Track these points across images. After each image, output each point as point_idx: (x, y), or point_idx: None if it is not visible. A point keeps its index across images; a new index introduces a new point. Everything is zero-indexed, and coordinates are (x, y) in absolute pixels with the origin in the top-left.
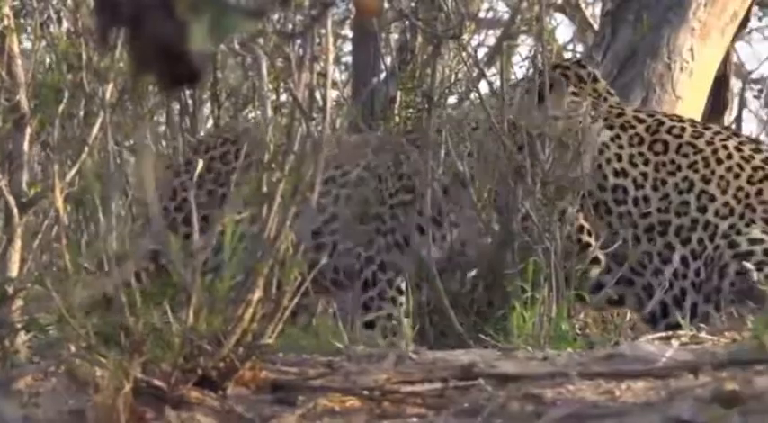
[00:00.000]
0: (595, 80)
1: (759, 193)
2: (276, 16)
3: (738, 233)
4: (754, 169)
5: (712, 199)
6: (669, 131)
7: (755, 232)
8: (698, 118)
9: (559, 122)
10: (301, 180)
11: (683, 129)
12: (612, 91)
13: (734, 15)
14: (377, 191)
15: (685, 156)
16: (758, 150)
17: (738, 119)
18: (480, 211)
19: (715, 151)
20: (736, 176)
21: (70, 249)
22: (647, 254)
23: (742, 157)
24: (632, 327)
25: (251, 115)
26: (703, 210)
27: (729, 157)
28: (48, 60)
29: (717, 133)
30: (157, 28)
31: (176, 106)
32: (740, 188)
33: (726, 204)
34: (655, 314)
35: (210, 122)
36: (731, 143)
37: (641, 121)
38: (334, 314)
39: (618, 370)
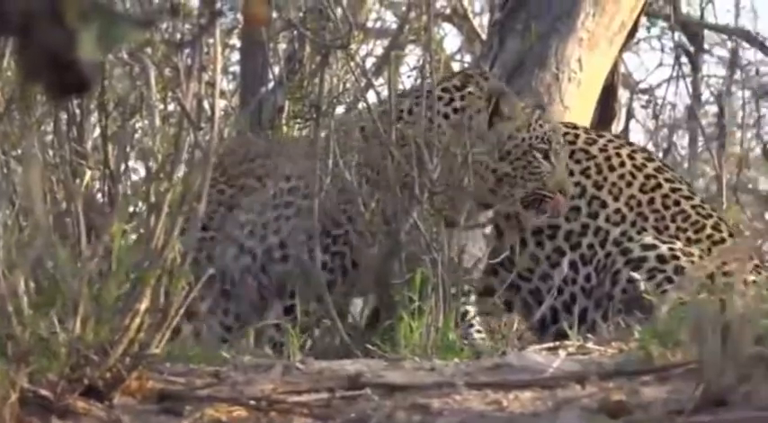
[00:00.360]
0: None
1: (651, 201)
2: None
3: (630, 240)
4: (647, 177)
5: (604, 205)
6: (563, 137)
7: (648, 239)
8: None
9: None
10: (189, 190)
11: (576, 135)
12: None
13: (622, 26)
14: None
15: (578, 162)
16: (650, 159)
17: (626, 129)
18: (368, 222)
19: (608, 158)
20: (629, 184)
21: None
22: (534, 258)
23: (634, 166)
24: (520, 337)
25: (138, 125)
26: (594, 215)
27: (622, 164)
28: None
29: (610, 141)
30: (46, 37)
31: (64, 116)
32: (632, 196)
33: (617, 211)
34: (544, 320)
35: (98, 131)
36: (624, 151)
37: None
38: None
39: (505, 380)
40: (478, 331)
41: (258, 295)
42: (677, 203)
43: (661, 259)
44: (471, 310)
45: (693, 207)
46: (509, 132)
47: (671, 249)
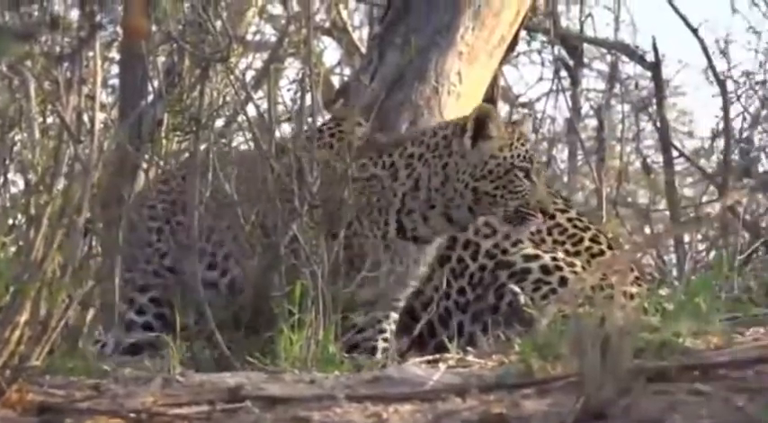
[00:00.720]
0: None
1: None
2: (44, 38)
3: (504, 252)
4: None
5: None
6: None
7: (529, 250)
8: None
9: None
10: (69, 203)
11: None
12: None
13: (502, 39)
14: None
15: None
16: None
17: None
18: (248, 234)
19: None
20: None
21: None
22: None
23: None
24: (402, 354)
25: (17, 137)
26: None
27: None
28: None
29: None
30: None
31: None
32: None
33: (487, 224)
34: (423, 334)
35: None
36: None
37: None
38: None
39: (385, 393)
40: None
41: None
42: (552, 217)
43: (545, 270)
44: (388, 328)
45: (569, 220)
46: (491, 152)
47: (554, 259)
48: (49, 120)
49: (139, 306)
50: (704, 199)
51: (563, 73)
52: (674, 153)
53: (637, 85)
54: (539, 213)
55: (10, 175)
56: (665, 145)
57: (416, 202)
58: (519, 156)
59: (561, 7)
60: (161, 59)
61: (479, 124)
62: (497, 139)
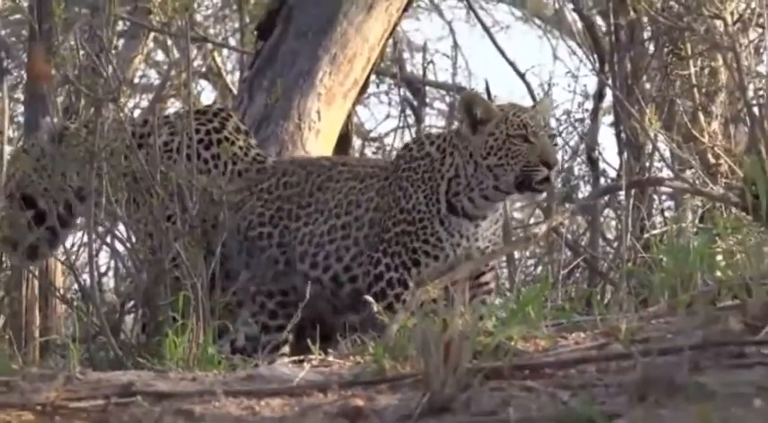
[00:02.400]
0: (247, 133)
1: None
2: None
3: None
4: None
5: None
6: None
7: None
8: None
9: (203, 176)
10: None
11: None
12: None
13: (355, 82)
14: None
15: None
16: None
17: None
18: (137, 251)
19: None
20: None
21: None
22: None
23: None
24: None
25: None
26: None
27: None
28: None
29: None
30: None
31: None
32: None
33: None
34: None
35: None
36: None
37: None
38: (10, 339)
39: (258, 389)
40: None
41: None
42: None
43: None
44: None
45: None
46: (489, 131)
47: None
48: None
49: (269, 311)
50: (532, 221)
51: (408, 111)
52: None
53: None
54: (541, 166)
55: None
56: None
57: (460, 187)
58: (513, 125)
59: (406, 55)
60: (60, 99)
61: (468, 111)
62: (493, 120)
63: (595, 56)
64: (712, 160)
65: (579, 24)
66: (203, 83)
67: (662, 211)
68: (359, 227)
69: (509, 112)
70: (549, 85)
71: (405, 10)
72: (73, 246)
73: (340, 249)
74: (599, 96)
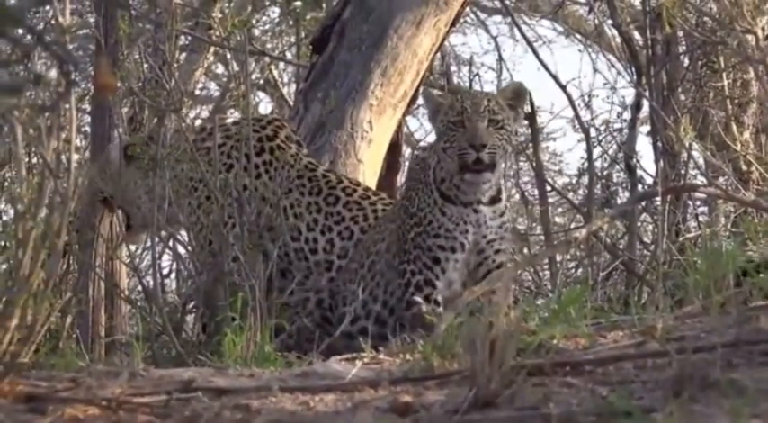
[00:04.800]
0: (299, 143)
1: None
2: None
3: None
4: None
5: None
6: (344, 190)
7: None
8: (375, 178)
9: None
10: (50, 228)
11: (354, 190)
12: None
13: (405, 94)
14: None
15: (350, 210)
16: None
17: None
18: (197, 253)
19: (375, 211)
20: None
21: None
22: None
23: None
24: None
25: (8, 175)
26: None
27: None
28: None
29: (381, 198)
30: None
31: None
32: None
33: None
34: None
35: None
36: (390, 207)
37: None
38: (77, 338)
39: (312, 385)
40: None
41: None
42: None
43: None
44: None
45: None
46: (440, 118)
47: None
48: (34, 160)
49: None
50: (572, 225)
51: None
52: (548, 188)
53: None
54: (469, 149)
55: (1, 206)
56: (540, 181)
57: (443, 172)
58: (453, 112)
59: (453, 68)
60: (125, 110)
61: (426, 103)
62: (442, 109)
63: (633, 69)
64: (744, 168)
65: (618, 39)
66: (261, 94)
67: (696, 217)
68: (381, 257)
69: (452, 100)
70: (589, 96)
71: (452, 25)
72: (137, 249)
73: (373, 290)
74: (636, 107)
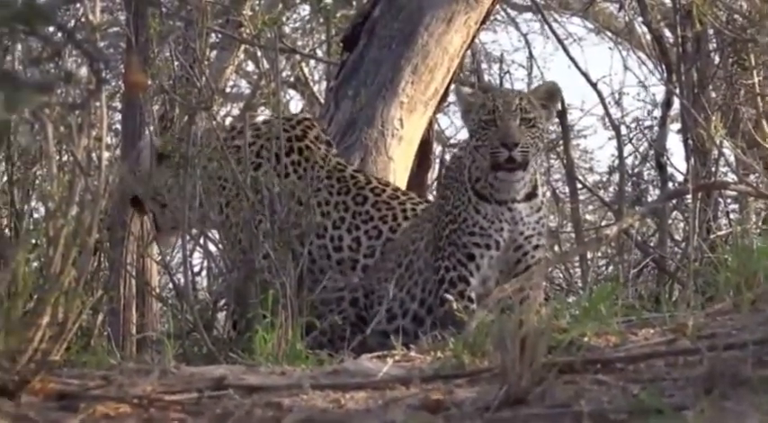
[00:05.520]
0: (329, 143)
1: None
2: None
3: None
4: None
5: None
6: (372, 190)
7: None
8: (406, 175)
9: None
10: (81, 226)
11: (383, 190)
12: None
13: (435, 91)
14: None
15: (379, 210)
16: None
17: (440, 176)
18: (228, 251)
19: (404, 210)
20: None
21: None
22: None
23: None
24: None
25: (39, 172)
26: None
27: (415, 216)
28: None
29: (410, 198)
30: None
31: None
32: None
33: None
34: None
35: (5, 178)
36: (419, 207)
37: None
38: (108, 335)
39: (343, 382)
40: None
41: None
42: None
43: None
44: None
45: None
46: (471, 117)
47: None
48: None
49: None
50: (603, 223)
51: None
52: (578, 185)
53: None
54: (501, 147)
55: (33, 203)
56: (571, 178)
57: (478, 171)
58: (485, 110)
59: (484, 65)
60: (155, 108)
61: (459, 101)
62: (474, 107)
63: (663, 66)
64: None
65: (648, 36)
66: (291, 92)
67: (727, 214)
68: (419, 256)
69: (484, 98)
70: (619, 94)
71: (482, 23)
72: (167, 247)
73: (411, 288)
74: (667, 105)
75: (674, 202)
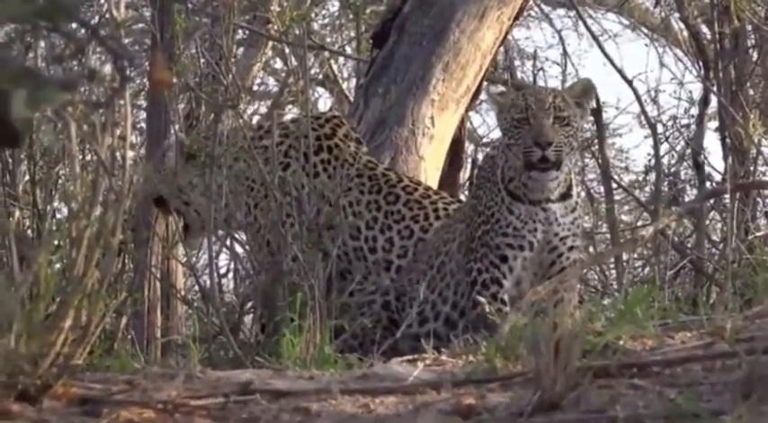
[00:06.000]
0: (359, 141)
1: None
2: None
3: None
4: None
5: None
6: (404, 188)
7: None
8: (438, 175)
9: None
10: (105, 227)
11: (415, 189)
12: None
13: (467, 89)
14: None
15: (410, 209)
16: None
17: (472, 176)
18: (255, 253)
19: (435, 208)
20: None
21: None
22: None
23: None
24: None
25: (62, 172)
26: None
27: (447, 216)
28: None
29: (442, 197)
30: None
31: None
32: None
33: None
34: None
35: (27, 177)
36: (451, 206)
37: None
38: (133, 339)
39: (372, 387)
40: None
41: None
42: None
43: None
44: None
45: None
46: (503, 116)
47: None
48: (88, 157)
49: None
50: (639, 223)
51: None
52: (614, 185)
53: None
54: (534, 147)
55: (55, 204)
56: (606, 178)
57: (511, 171)
58: (517, 109)
59: (517, 62)
60: (181, 106)
61: (493, 102)
62: (506, 105)
63: (700, 63)
64: None
65: (685, 33)
66: (320, 90)
67: (766, 214)
68: (451, 258)
69: (517, 96)
70: (655, 91)
71: (516, 19)
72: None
73: (443, 291)
74: (704, 102)
75: (712, 202)
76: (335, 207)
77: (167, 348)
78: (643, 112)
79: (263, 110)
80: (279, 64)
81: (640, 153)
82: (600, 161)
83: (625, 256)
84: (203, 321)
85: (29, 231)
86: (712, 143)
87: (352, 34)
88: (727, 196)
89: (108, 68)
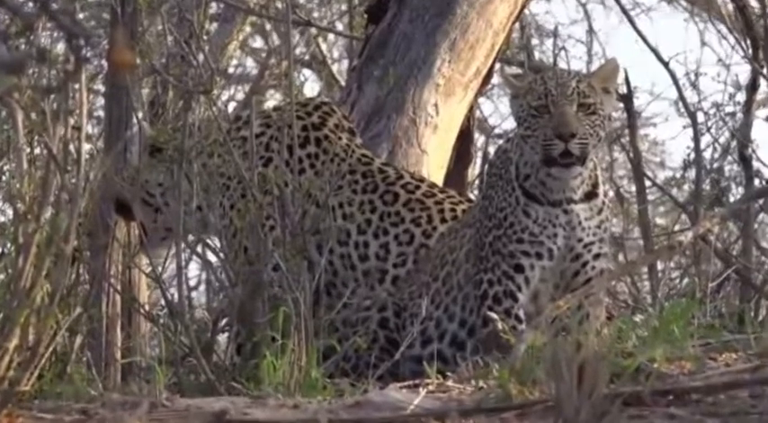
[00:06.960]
0: (352, 131)
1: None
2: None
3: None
4: None
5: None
6: (404, 186)
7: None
8: (443, 171)
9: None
10: (57, 231)
11: (417, 187)
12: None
13: (477, 72)
14: None
15: (411, 210)
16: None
17: (482, 172)
18: (230, 261)
19: (441, 211)
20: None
21: None
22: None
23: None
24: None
25: (6, 167)
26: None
27: (454, 218)
28: None
29: (449, 196)
30: None
31: None
32: None
33: None
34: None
35: None
36: (459, 207)
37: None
38: (88, 361)
39: (367, 417)
40: None
41: None
42: None
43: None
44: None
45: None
46: (519, 102)
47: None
48: (37, 150)
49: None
50: (676, 227)
51: None
52: (647, 183)
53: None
54: (555, 139)
55: None
56: (638, 175)
57: (527, 167)
58: (535, 96)
59: (535, 41)
60: (145, 91)
61: (507, 84)
62: (523, 90)
63: (748, 41)
64: None
65: (730, 6)
66: (307, 72)
67: None
68: (458, 268)
69: (534, 80)
70: (696, 74)
71: None
72: (159, 256)
73: (449, 306)
74: (752, 87)
75: (761, 202)
76: (324, 208)
77: (129, 372)
78: (681, 98)
79: (241, 96)
80: (259, 42)
81: (678, 146)
82: (631, 155)
83: (660, 266)
84: (170, 341)
85: None
86: (762, 134)
87: (344, 8)
88: None
89: (61, 48)
